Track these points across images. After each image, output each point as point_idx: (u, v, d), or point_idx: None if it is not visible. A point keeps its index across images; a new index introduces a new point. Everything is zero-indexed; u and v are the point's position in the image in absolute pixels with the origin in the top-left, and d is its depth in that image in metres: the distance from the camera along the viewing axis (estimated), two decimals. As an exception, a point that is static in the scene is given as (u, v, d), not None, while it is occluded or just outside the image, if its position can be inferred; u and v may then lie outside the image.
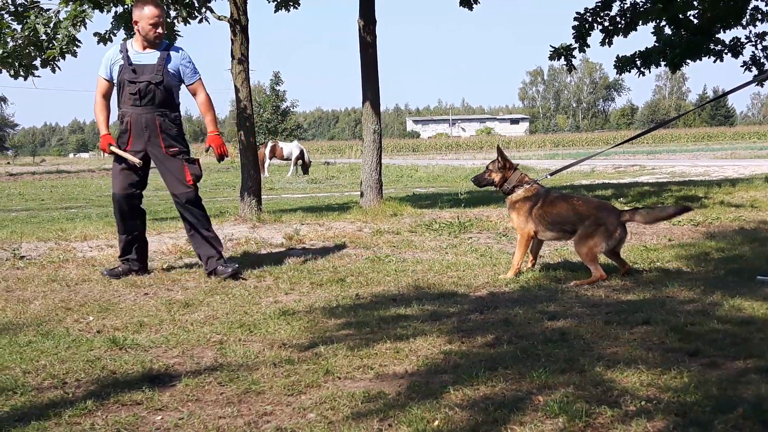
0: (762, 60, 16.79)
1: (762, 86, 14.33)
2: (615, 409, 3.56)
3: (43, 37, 10.12)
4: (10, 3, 10.42)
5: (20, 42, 10.14)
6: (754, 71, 16.87)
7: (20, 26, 10.26)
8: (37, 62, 10.50)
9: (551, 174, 8.40)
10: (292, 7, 13.47)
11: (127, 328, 5.54)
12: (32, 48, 10.27)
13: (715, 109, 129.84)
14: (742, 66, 16.85)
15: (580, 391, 3.81)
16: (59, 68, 10.60)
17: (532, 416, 3.54)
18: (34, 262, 8.51)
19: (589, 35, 16.86)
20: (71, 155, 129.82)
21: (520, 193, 7.31)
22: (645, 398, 3.69)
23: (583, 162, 9.39)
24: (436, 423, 3.50)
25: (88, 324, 5.73)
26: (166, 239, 9.82)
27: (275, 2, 13.40)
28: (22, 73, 10.53)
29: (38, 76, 10.68)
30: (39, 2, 10.41)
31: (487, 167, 7.63)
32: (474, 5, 15.70)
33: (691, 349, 4.45)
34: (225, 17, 11.90)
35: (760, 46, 16.79)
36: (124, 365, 4.59)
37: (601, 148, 79.58)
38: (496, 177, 7.47)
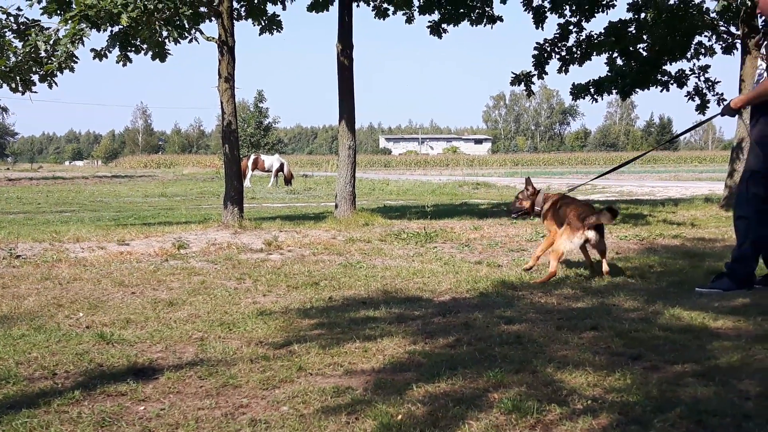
0: (704, 90, 16.98)
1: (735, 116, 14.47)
2: (563, 407, 3.57)
3: (43, 53, 10.04)
4: (12, 21, 10.32)
5: (21, 58, 10.04)
6: (697, 100, 17.05)
7: (21, 43, 10.17)
8: (36, 78, 10.41)
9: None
10: (275, 31, 13.47)
11: (115, 325, 5.50)
12: (32, 63, 10.18)
13: (660, 135, 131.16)
14: (686, 96, 17.02)
15: (532, 390, 3.82)
16: (56, 84, 10.52)
17: (488, 412, 3.54)
18: (29, 261, 8.43)
19: (548, 64, 16.98)
20: (67, 163, 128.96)
21: (547, 205, 7.50)
22: (591, 397, 3.70)
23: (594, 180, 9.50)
24: (400, 417, 3.50)
25: (78, 320, 5.67)
26: (153, 243, 9.75)
27: (260, 26, 13.40)
28: (20, 88, 10.43)
29: (35, 92, 10.59)
30: (40, 21, 10.33)
31: (516, 197, 7.80)
32: (443, 34, 15.80)
33: (635, 354, 4.48)
34: (213, 38, 11.87)
35: (702, 78, 16.97)
36: (110, 359, 4.55)
37: (560, 165, 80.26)
38: (527, 204, 7.64)
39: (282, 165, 35.53)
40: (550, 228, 7.43)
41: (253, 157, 36.70)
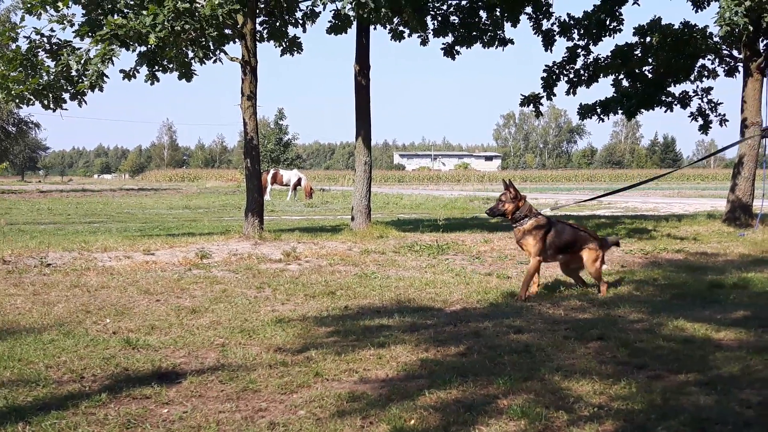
0: (707, 111, 16.93)
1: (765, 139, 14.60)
2: (570, 414, 3.56)
3: (74, 72, 10.12)
4: (46, 42, 10.41)
5: (54, 77, 10.12)
6: (700, 121, 16.99)
7: (54, 62, 10.25)
8: (66, 96, 10.47)
9: (552, 209, 8.37)
10: (296, 52, 13.54)
11: (140, 330, 5.52)
12: (64, 82, 10.26)
13: (664, 153, 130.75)
14: (689, 116, 16.96)
15: (540, 397, 3.81)
16: (85, 102, 10.59)
17: (497, 418, 3.53)
18: (59, 269, 8.47)
19: (556, 85, 16.96)
20: (96, 176, 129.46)
21: (532, 222, 7.19)
22: (597, 405, 3.68)
23: (601, 197, 9.41)
24: (412, 422, 3.49)
25: (105, 326, 5.70)
26: (177, 253, 9.78)
27: (281, 48, 13.46)
28: (52, 105, 10.50)
29: (66, 109, 10.65)
30: (71, 41, 10.42)
31: (499, 199, 7.37)
32: (456, 56, 15.83)
33: (639, 363, 4.46)
34: (237, 59, 11.93)
35: (705, 99, 16.92)
36: (135, 363, 4.56)
37: (567, 182, 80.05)
38: (509, 207, 7.24)
39: (299, 179, 35.60)
40: (534, 251, 7.14)
41: (272, 171, 36.80)
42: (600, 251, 7.26)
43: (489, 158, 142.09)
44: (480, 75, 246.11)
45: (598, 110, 17.18)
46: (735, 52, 15.96)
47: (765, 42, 15.25)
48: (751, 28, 13.60)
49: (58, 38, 10.55)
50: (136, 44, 10.19)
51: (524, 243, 7.25)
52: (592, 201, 8.78)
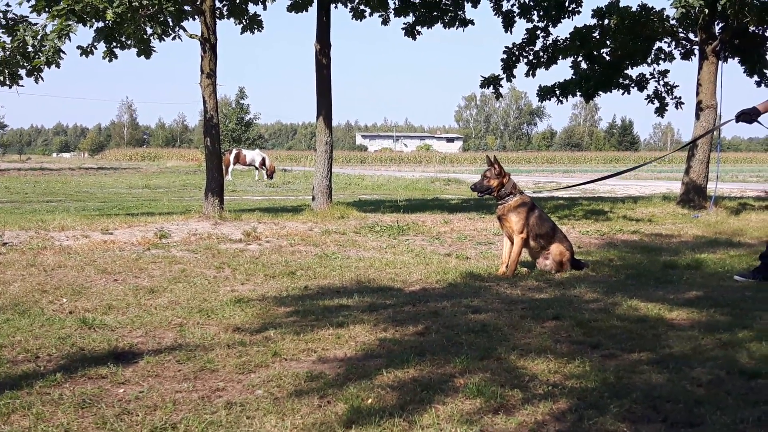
0: (663, 94, 17.13)
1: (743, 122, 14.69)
2: (525, 392, 3.58)
3: (31, 48, 9.90)
4: (1, 17, 10.17)
5: (9, 53, 9.90)
6: (656, 103, 17.19)
7: (9, 38, 10.02)
8: (23, 72, 10.26)
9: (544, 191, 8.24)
10: (256, 30, 13.39)
11: (97, 310, 5.44)
12: (21, 58, 10.04)
13: (622, 136, 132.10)
14: (645, 99, 17.16)
15: (496, 376, 3.83)
16: (42, 79, 10.38)
17: (454, 397, 3.55)
18: (15, 248, 8.33)
19: (516, 67, 17.03)
20: (54, 155, 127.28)
21: (517, 199, 7.19)
22: (551, 383, 3.72)
23: (595, 182, 9.13)
24: (370, 401, 3.49)
25: (61, 305, 5.61)
26: (136, 232, 9.67)
27: (241, 25, 13.31)
28: (8, 81, 10.27)
29: (22, 86, 10.44)
30: (28, 17, 10.19)
31: (483, 175, 7.30)
32: (417, 36, 15.81)
33: (594, 342, 4.51)
34: (196, 36, 11.78)
35: (661, 82, 17.12)
36: (92, 343, 4.50)
37: (527, 164, 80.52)
38: (494, 183, 7.21)
39: (264, 159, 35.42)
40: (519, 228, 7.09)
41: (235, 151, 36.57)
42: (568, 252, 7.26)
43: (450, 140, 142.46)
44: (442, 56, 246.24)
45: (557, 92, 17.30)
46: (691, 35, 16.16)
47: (720, 25, 15.44)
48: (706, 11, 13.75)
49: (14, 13, 10.31)
50: (93, 20, 10.00)
51: (507, 220, 7.22)
52: (558, 185, 8.72)
